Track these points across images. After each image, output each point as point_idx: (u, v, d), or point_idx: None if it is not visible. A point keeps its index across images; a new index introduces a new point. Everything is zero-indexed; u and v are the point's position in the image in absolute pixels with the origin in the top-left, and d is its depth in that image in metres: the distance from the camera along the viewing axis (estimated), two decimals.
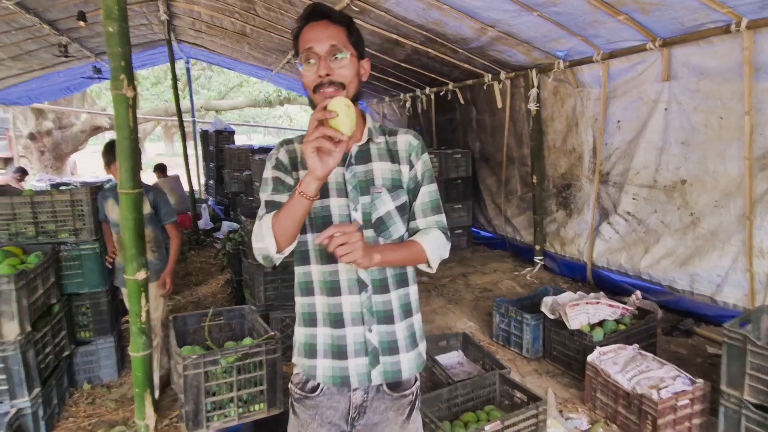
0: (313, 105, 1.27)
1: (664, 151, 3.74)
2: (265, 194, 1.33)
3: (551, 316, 3.15)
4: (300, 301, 1.37)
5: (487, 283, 4.94)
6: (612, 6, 3.16)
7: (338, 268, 1.32)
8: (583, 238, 4.58)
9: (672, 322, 3.65)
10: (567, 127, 4.67)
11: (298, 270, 1.37)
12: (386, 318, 1.35)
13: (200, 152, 9.91)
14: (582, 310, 3.00)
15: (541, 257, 5.13)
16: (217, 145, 8.61)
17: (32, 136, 10.86)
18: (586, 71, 4.27)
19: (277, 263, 1.29)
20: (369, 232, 1.33)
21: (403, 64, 5.83)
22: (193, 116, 9.92)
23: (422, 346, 1.45)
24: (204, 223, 7.52)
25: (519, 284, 4.81)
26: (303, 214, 1.19)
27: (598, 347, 2.72)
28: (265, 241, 1.22)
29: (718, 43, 3.19)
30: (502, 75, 5.15)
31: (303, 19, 1.29)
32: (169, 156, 21.02)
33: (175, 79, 6.72)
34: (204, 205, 8.07)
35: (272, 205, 1.29)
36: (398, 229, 1.37)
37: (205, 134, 9.35)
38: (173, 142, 24.11)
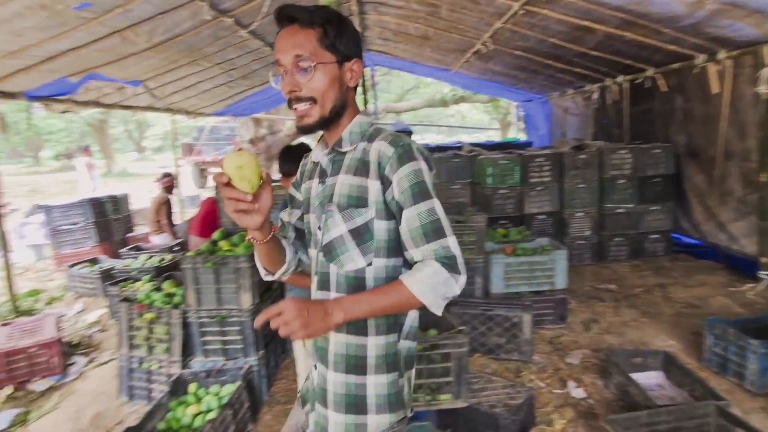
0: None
1: None
2: (284, 211, 1.40)
3: None
4: None
5: (692, 297, 4.27)
6: None
7: (311, 288, 1.27)
8: None
9: None
10: None
11: None
12: (322, 358, 1.18)
13: None
14: None
15: None
16: None
17: (251, 141, 13.09)
18: None
19: (284, 279, 1.36)
20: (320, 256, 1.19)
21: (592, 52, 5.37)
22: (376, 118, 10.72)
23: (376, 419, 1.12)
24: None
25: (737, 302, 4.04)
26: (266, 254, 1.23)
27: None
28: (259, 267, 1.32)
29: None
30: (721, 54, 4.36)
31: (278, 24, 1.14)
32: None
33: (365, 85, 7.36)
34: None
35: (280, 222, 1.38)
36: (351, 258, 1.13)
37: None
38: None
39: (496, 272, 3.76)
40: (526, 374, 3.19)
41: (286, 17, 1.12)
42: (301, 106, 1.11)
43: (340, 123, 1.18)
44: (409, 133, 9.49)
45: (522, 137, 11.72)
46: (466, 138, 20.16)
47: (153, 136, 28.92)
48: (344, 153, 1.18)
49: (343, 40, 1.13)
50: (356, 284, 1.13)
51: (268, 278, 1.31)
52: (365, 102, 7.48)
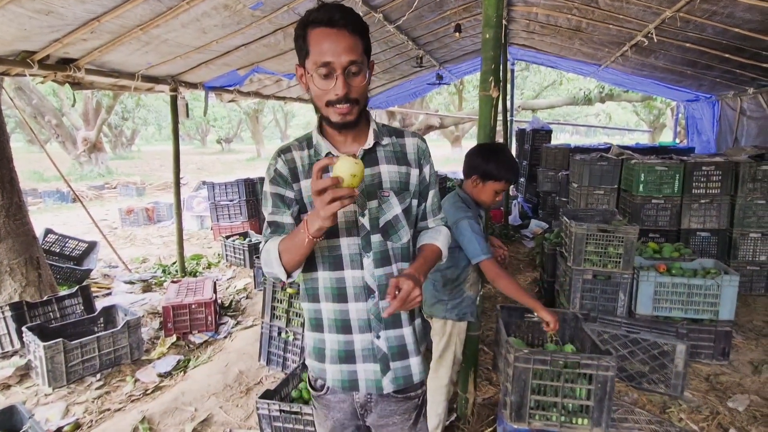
0: (316, 111, 1.28)
1: None
2: (266, 212, 1.34)
3: None
4: (306, 307, 1.39)
5: None
6: None
7: (345, 275, 1.30)
8: None
9: None
10: None
11: (304, 276, 1.36)
12: (394, 322, 1.35)
13: (514, 150, 10.24)
14: None
15: None
16: (533, 144, 8.70)
17: None
18: None
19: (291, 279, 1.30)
20: (376, 237, 1.31)
21: None
22: (511, 116, 10.30)
23: (423, 348, 1.45)
24: (513, 218, 7.77)
25: None
26: (309, 250, 1.20)
27: None
28: (275, 269, 1.24)
29: None
30: None
31: (318, 21, 1.18)
32: None
33: (506, 81, 7.10)
34: (514, 201, 8.33)
35: (275, 226, 1.31)
36: (406, 233, 1.35)
37: (522, 133, 9.59)
38: None
39: (645, 291, 3.36)
40: (675, 412, 2.80)
41: (338, 21, 1.17)
42: (345, 107, 1.22)
43: (363, 118, 1.33)
44: (548, 132, 9.01)
45: (679, 141, 10.36)
46: (607, 140, 18.43)
47: (296, 125, 31.56)
48: (376, 146, 1.34)
49: (370, 46, 1.26)
50: (406, 253, 1.37)
51: (283, 279, 1.27)
52: (505, 98, 7.20)
